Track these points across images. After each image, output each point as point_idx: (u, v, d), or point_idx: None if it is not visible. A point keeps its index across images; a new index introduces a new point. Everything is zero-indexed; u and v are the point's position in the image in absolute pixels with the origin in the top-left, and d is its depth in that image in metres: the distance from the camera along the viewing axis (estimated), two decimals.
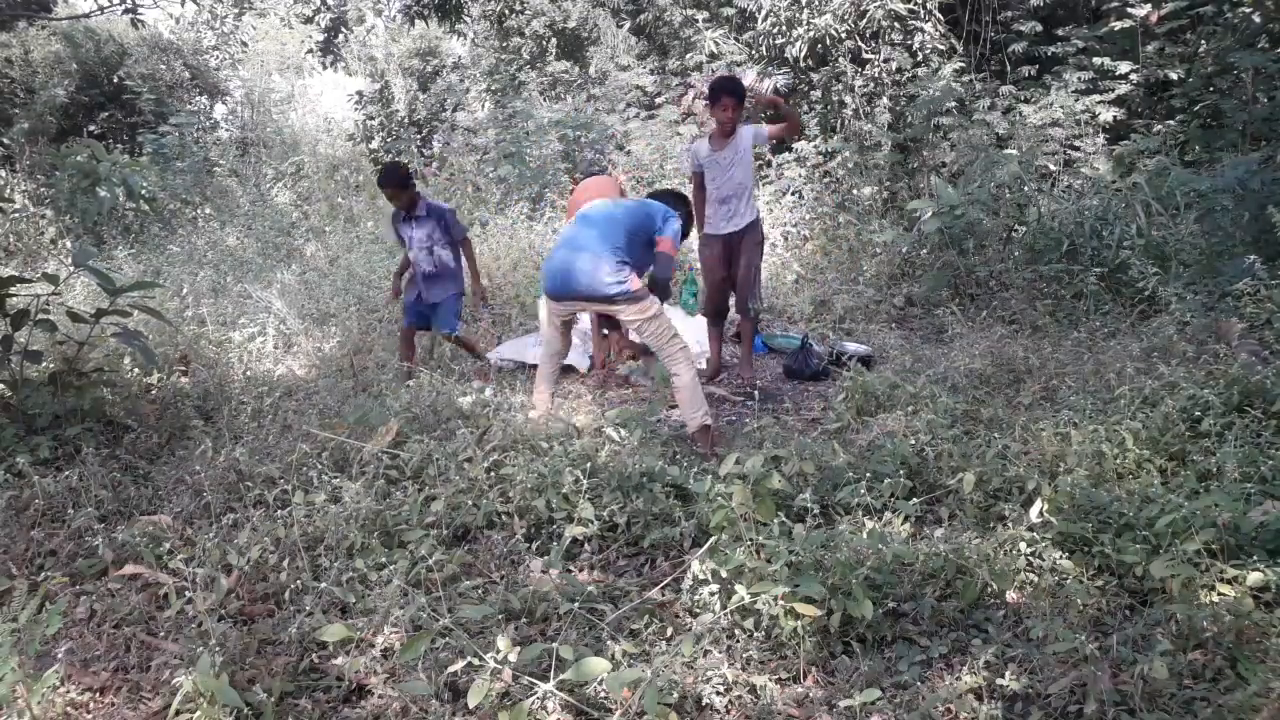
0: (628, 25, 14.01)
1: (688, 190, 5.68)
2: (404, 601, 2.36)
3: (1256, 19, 8.19)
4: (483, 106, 14.97)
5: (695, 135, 9.16)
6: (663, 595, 2.60)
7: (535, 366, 4.56)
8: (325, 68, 19.19)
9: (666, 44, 13.19)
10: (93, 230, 9.42)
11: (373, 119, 19.42)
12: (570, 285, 4.02)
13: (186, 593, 2.41)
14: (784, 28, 10.33)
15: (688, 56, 11.94)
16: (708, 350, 5.91)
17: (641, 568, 2.91)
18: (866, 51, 9.86)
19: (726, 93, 4.89)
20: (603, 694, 2.12)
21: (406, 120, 18.48)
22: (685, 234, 4.59)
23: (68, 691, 2.22)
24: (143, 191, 9.98)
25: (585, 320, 5.56)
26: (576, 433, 3.75)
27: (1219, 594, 2.29)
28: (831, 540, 2.54)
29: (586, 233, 4.10)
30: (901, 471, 3.13)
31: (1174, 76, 9.00)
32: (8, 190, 9.63)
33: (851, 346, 5.68)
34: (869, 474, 3.03)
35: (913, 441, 3.39)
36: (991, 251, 6.47)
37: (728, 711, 2.12)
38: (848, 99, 9.79)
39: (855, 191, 8.86)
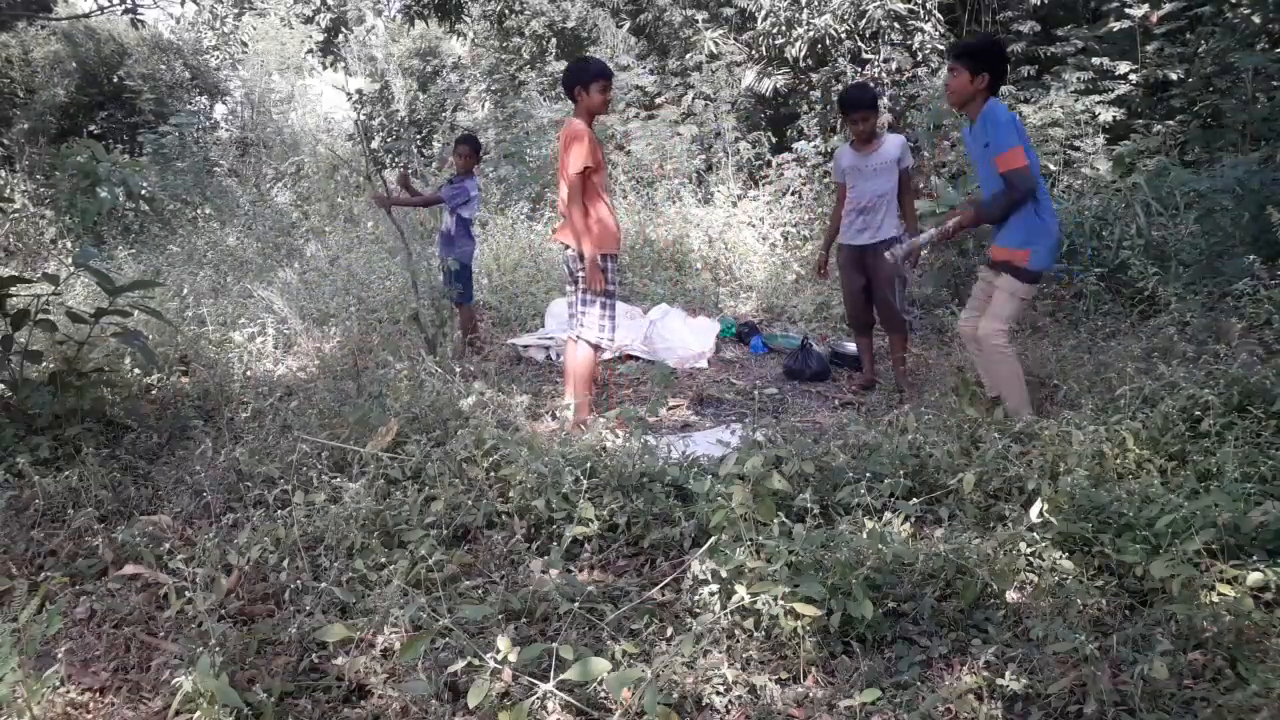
0: (627, 25, 14.01)
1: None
2: (404, 601, 2.35)
3: (1256, 19, 8.19)
4: (483, 106, 14.99)
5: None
6: (663, 595, 2.60)
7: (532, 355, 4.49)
8: (325, 68, 19.19)
9: (666, 44, 13.20)
10: (93, 230, 9.43)
11: (373, 119, 19.43)
12: None
13: (186, 593, 2.41)
14: (784, 28, 10.33)
15: (688, 56, 11.94)
16: (707, 350, 5.91)
17: (641, 568, 2.91)
18: (866, 51, 9.86)
19: (859, 105, 4.77)
20: (603, 694, 2.12)
21: (406, 120, 18.48)
22: None
23: (68, 691, 2.22)
24: (142, 191, 9.98)
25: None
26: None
27: (1219, 594, 2.29)
28: (831, 540, 2.53)
29: None
30: (901, 471, 3.12)
31: (1174, 76, 9.01)
32: (8, 190, 9.64)
33: (852, 347, 5.68)
34: (869, 474, 3.03)
35: (910, 438, 3.39)
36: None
37: (728, 711, 2.12)
38: None
39: None
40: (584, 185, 4.10)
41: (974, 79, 3.79)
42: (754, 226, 8.55)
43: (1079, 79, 8.56)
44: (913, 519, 2.91)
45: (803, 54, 10.13)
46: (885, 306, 4.91)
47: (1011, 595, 2.52)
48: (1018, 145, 3.66)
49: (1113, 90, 8.80)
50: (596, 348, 4.36)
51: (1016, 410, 3.77)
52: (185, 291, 6.50)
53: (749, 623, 2.33)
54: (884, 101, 9.40)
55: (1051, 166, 7.70)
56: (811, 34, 9.95)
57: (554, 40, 14.76)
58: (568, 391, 4.48)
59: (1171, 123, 8.64)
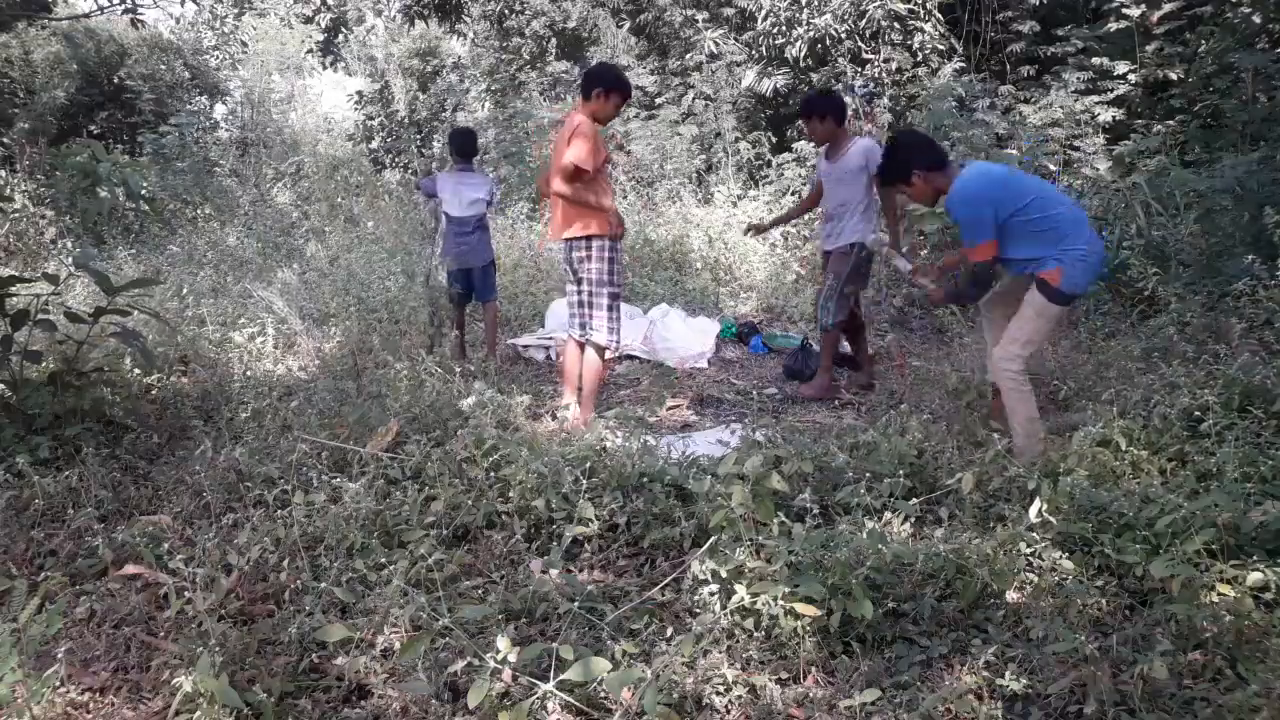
0: (628, 25, 14.02)
1: None
2: (404, 601, 2.35)
3: (1256, 19, 8.19)
4: (483, 106, 14.98)
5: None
6: (663, 595, 2.60)
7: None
8: (325, 68, 19.18)
9: (666, 44, 13.20)
10: (93, 230, 9.43)
11: (373, 119, 19.43)
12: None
13: (186, 593, 2.40)
14: (784, 28, 10.34)
15: (688, 56, 11.95)
16: (707, 350, 5.91)
17: (641, 568, 2.91)
18: (866, 51, 9.86)
19: (805, 111, 4.84)
20: (603, 694, 2.12)
21: (406, 120, 18.48)
22: None
23: (68, 691, 2.22)
24: (143, 191, 9.99)
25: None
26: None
27: (1219, 594, 2.29)
28: (831, 540, 2.53)
29: None
30: (901, 471, 3.12)
31: (1173, 76, 9.01)
32: (8, 190, 9.62)
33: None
34: (869, 474, 3.03)
35: (908, 437, 3.39)
36: None
37: (728, 711, 2.12)
38: (848, 99, 9.77)
39: None
40: (594, 178, 4.13)
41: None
42: None
43: (1079, 79, 8.56)
44: (913, 519, 2.91)
45: (803, 54, 10.14)
46: (818, 300, 4.96)
47: (1011, 595, 2.52)
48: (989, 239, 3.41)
49: (1112, 90, 8.79)
50: (604, 349, 4.37)
51: (1022, 451, 3.40)
52: (185, 291, 6.50)
53: (749, 623, 2.33)
54: (884, 101, 9.40)
55: (1051, 167, 7.70)
56: (811, 34, 9.96)
57: (554, 40, 14.76)
58: (567, 391, 4.48)
59: (1171, 123, 8.63)
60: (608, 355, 4.46)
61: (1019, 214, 3.35)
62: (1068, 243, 3.32)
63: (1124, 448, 3.03)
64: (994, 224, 3.36)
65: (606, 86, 4.20)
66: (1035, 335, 3.39)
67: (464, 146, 5.80)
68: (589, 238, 4.20)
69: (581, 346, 4.42)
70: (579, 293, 4.33)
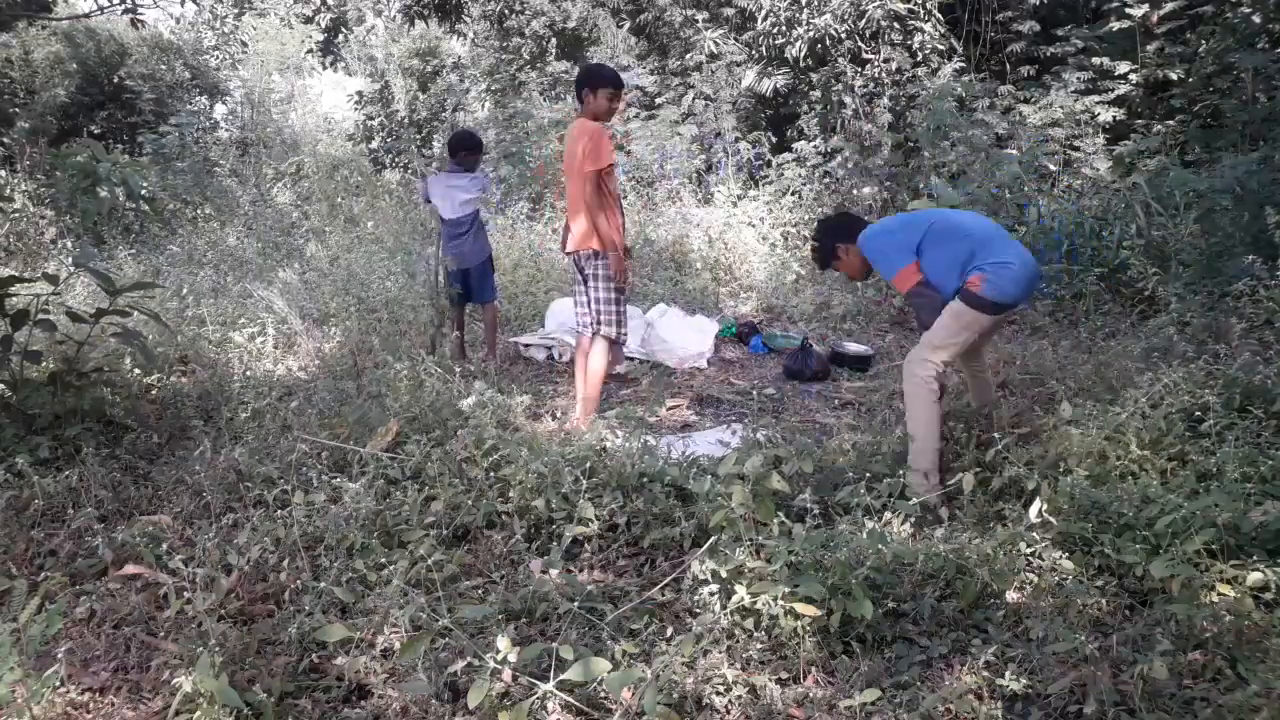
0: (628, 25, 14.02)
1: None
2: (404, 601, 2.35)
3: (1256, 19, 8.19)
4: (483, 106, 14.98)
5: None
6: (663, 595, 2.60)
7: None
8: (325, 68, 19.18)
9: (666, 44, 13.21)
10: (93, 230, 9.43)
11: (373, 119, 19.43)
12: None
13: (186, 593, 2.41)
14: (784, 28, 10.34)
15: (688, 56, 11.95)
16: (707, 350, 5.91)
17: (641, 568, 2.91)
18: (866, 51, 9.87)
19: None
20: (603, 694, 2.12)
21: (406, 120, 18.48)
22: None
23: (68, 691, 2.22)
24: (143, 191, 9.99)
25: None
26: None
27: (1219, 594, 2.29)
28: (831, 540, 2.54)
29: None
30: (901, 472, 3.12)
31: (1174, 76, 9.01)
32: (8, 190, 9.62)
33: (852, 347, 5.69)
34: (868, 474, 3.03)
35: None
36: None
37: (728, 711, 2.12)
38: (847, 99, 9.79)
39: (855, 191, 8.87)
40: (599, 182, 4.13)
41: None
42: (754, 226, 8.55)
43: (1079, 79, 8.57)
44: (913, 519, 2.91)
45: (803, 54, 10.14)
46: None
47: (1011, 595, 2.52)
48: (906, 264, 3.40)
49: (1113, 90, 8.80)
50: (615, 343, 4.39)
51: (917, 463, 3.28)
52: (185, 291, 6.50)
53: (749, 623, 2.33)
54: (884, 101, 9.40)
55: (1051, 166, 7.70)
56: (811, 34, 9.96)
57: (554, 40, 14.77)
58: (586, 388, 4.48)
59: (1171, 123, 8.64)
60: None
61: (925, 239, 3.38)
62: (988, 253, 3.29)
63: (1131, 448, 3.03)
64: (906, 251, 3.39)
65: (592, 85, 4.24)
66: (948, 340, 3.30)
67: (456, 149, 5.77)
68: (597, 252, 4.24)
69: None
70: (587, 290, 4.34)
